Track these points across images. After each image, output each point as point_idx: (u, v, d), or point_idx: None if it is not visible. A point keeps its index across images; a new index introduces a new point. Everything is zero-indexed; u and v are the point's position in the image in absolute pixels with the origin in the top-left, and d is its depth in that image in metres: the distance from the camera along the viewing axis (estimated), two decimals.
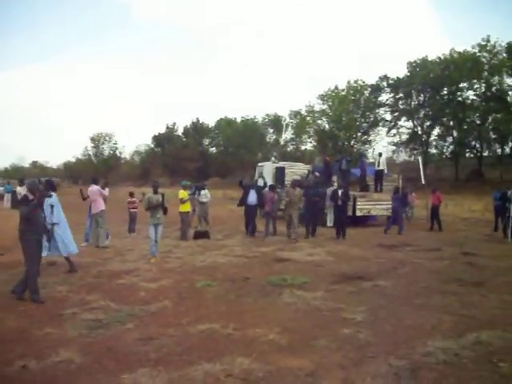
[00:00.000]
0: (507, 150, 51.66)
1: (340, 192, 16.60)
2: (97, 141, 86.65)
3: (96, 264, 10.83)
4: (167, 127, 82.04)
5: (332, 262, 11.35)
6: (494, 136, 50.59)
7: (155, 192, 11.70)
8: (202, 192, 17.93)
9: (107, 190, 14.21)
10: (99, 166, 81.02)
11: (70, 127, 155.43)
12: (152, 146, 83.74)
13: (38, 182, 8.82)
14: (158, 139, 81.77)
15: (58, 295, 7.90)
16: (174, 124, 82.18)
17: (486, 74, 49.45)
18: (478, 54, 49.69)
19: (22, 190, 15.96)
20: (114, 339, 5.82)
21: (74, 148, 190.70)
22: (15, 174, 74.39)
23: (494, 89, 49.55)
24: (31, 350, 5.47)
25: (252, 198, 16.59)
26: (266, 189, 17.60)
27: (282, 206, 17.99)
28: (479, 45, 49.69)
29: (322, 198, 17.68)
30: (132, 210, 17.00)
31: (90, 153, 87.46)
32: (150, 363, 5.04)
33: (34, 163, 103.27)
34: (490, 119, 49.49)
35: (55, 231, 9.46)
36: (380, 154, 22.72)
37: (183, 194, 15.65)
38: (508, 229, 15.92)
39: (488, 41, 49.11)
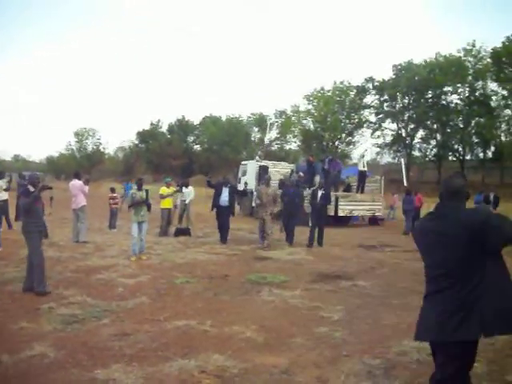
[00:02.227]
0: (489, 154, 52.22)
1: (320, 193, 14.33)
2: (80, 136, 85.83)
3: (75, 259, 10.76)
4: (151, 124, 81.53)
5: (312, 261, 11.39)
6: (476, 140, 51.11)
7: (139, 189, 11.51)
8: (186, 189, 17.36)
9: (87, 187, 14.02)
10: (82, 162, 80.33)
11: (54, 121, 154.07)
12: (136, 142, 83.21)
13: None
14: (142, 135, 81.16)
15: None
16: (159, 121, 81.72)
17: (470, 78, 50.00)
18: (463, 58, 50.23)
19: (1, 183, 15.72)
20: (89, 334, 5.78)
21: (57, 142, 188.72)
22: None
23: (477, 93, 50.11)
24: (5, 344, 5.42)
25: (224, 197, 14.14)
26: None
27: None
28: (464, 49, 50.25)
29: (302, 199, 15.77)
30: (113, 205, 16.90)
31: (74, 148, 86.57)
32: (125, 359, 5.02)
33: (16, 157, 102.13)
34: (473, 123, 50.05)
35: None
36: (362, 156, 22.85)
37: (164, 190, 15.61)
38: None
39: (473, 45, 49.67)
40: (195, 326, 6.16)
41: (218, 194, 14.22)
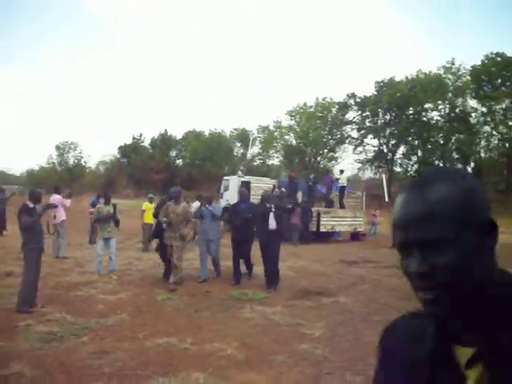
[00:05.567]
0: (469, 169, 52.89)
1: (273, 209, 10.16)
2: (62, 149, 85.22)
3: (54, 275, 10.62)
4: (133, 138, 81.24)
5: (293, 278, 11.36)
6: (456, 156, 51.78)
7: (106, 203, 10.87)
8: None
9: (69, 201, 13.89)
10: (63, 175, 79.52)
11: (34, 134, 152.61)
12: (118, 156, 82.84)
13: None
14: (123, 150, 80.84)
15: (14, 306, 7.67)
16: (141, 135, 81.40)
17: (450, 95, 50.77)
18: (443, 75, 51.02)
19: None
20: (67, 352, 5.70)
21: (38, 156, 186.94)
22: None
23: (457, 110, 50.84)
24: None
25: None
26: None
27: None
28: (444, 67, 51.07)
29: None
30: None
31: (55, 161, 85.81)
32: (103, 378, 4.95)
33: None
34: (454, 139, 50.74)
35: None
36: (342, 171, 23.03)
37: (146, 205, 15.55)
38: None
39: (453, 63, 50.52)
40: (176, 343, 6.11)
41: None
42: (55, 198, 13.47)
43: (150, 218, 15.61)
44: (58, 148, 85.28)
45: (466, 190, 0.97)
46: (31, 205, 7.89)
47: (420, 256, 0.95)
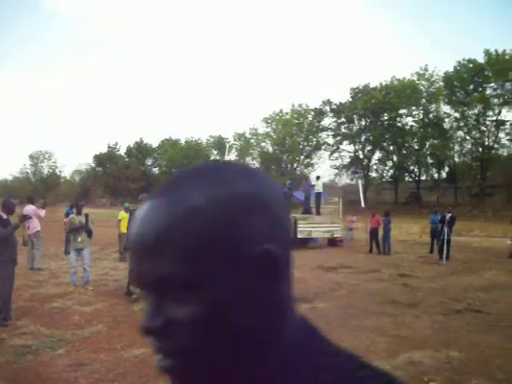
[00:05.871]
0: (443, 174, 53.72)
1: None
2: (36, 159, 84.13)
3: (29, 287, 10.45)
4: (109, 146, 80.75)
5: None
6: (431, 161, 52.50)
7: (78, 213, 10.66)
8: None
9: (44, 211, 13.73)
10: (37, 185, 78.50)
11: (8, 144, 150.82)
12: (93, 165, 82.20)
13: None
14: (99, 159, 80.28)
15: None
16: (116, 144, 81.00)
17: (423, 101, 51.52)
18: (417, 82, 51.76)
19: None
20: (42, 365, 5.61)
21: (11, 165, 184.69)
22: None
23: (431, 116, 51.61)
24: None
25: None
26: None
27: None
28: (418, 73, 51.80)
29: None
30: None
31: (29, 171, 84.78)
32: None
33: None
34: (428, 145, 51.47)
35: None
36: (318, 178, 23.17)
37: (122, 214, 15.41)
38: (442, 250, 16.40)
39: (426, 70, 51.33)
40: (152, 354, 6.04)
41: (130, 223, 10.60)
42: (28, 209, 13.27)
43: (125, 228, 15.49)
44: (31, 157, 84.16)
45: (234, 203, 0.61)
46: (4, 216, 7.73)
47: (154, 303, 0.62)
